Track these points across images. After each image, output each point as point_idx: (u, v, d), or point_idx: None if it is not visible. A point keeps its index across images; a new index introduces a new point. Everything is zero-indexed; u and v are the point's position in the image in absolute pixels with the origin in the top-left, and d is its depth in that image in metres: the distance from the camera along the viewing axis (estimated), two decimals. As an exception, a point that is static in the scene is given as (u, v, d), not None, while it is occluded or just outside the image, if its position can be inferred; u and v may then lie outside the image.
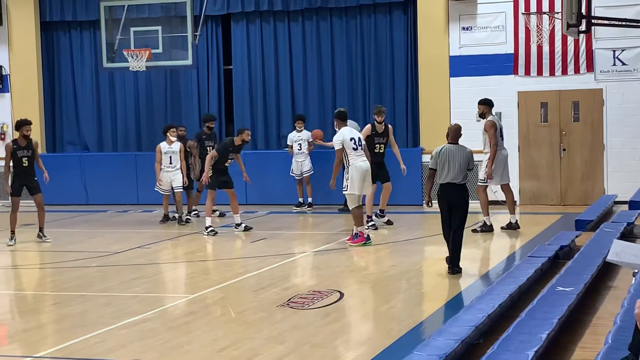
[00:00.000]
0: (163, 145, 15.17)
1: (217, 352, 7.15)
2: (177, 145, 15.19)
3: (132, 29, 16.72)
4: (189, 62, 16.62)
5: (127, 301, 9.10)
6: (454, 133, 10.30)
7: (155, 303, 8.88)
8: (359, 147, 12.34)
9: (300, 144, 16.63)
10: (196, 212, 15.89)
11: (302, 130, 16.75)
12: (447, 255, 10.22)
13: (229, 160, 14.01)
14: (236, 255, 12.48)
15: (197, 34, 16.58)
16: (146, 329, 7.88)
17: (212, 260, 12.02)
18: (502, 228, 13.54)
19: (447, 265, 10.30)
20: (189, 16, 16.35)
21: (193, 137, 16.12)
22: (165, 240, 13.52)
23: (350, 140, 12.28)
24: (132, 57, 16.52)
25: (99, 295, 9.46)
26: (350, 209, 12.43)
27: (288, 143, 16.92)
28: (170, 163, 15.14)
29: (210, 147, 15.63)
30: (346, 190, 12.27)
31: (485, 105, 13.55)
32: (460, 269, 10.11)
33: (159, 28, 16.73)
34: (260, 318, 8.31)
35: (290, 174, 16.79)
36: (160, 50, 16.72)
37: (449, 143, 10.27)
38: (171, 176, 15.15)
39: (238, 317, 8.47)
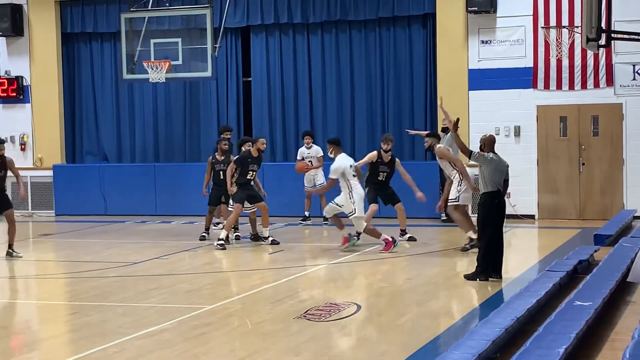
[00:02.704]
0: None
1: (233, 363, 7.16)
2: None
3: (152, 41, 16.82)
4: (208, 73, 16.70)
5: (144, 311, 9.13)
6: (491, 143, 10.58)
7: (173, 314, 8.90)
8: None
9: (310, 160, 16.31)
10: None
11: (311, 146, 16.59)
12: (479, 264, 10.39)
13: (250, 173, 13.77)
14: (254, 267, 12.49)
15: (217, 45, 16.66)
16: (163, 339, 7.90)
17: (230, 272, 12.04)
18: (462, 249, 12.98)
19: (464, 279, 10.38)
20: (209, 28, 16.43)
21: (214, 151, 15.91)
22: (183, 251, 13.55)
23: (350, 167, 12.85)
24: (152, 69, 16.62)
25: (116, 306, 9.50)
26: (362, 231, 12.99)
27: (298, 157, 16.59)
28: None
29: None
30: (354, 214, 12.75)
31: (433, 137, 13.42)
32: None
33: (179, 40, 16.81)
34: (277, 330, 8.31)
35: (305, 189, 16.67)
36: (180, 62, 16.80)
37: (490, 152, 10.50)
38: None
39: (255, 328, 8.48)
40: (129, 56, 17.08)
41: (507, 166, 10.55)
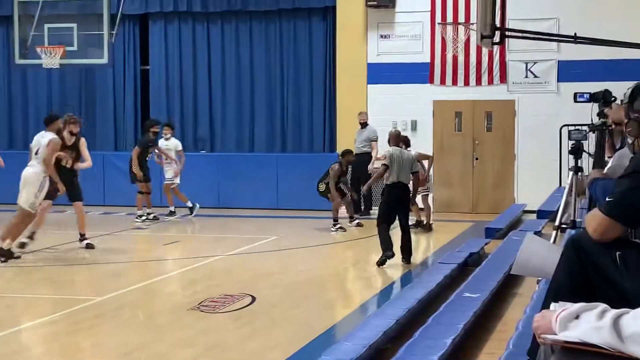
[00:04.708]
0: None
1: (122, 355, 7.03)
2: None
3: (47, 26, 16.38)
4: (104, 60, 16.37)
5: (32, 302, 8.89)
6: (396, 138, 11.28)
7: (62, 305, 8.68)
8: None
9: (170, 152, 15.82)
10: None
11: (169, 138, 16.01)
12: (385, 251, 10.57)
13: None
14: (149, 258, 12.32)
15: (114, 32, 16.34)
16: (50, 331, 7.70)
17: (124, 263, 11.84)
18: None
19: (375, 265, 10.55)
20: (106, 14, 16.11)
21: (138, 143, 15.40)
22: (77, 241, 13.22)
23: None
24: (46, 54, 16.19)
25: (2, 296, 9.21)
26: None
27: (156, 151, 15.60)
28: None
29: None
30: None
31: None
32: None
33: (74, 25, 16.41)
34: (170, 321, 8.22)
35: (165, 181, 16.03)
36: (75, 47, 16.41)
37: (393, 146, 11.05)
38: None
39: (147, 320, 8.36)
40: (22, 41, 16.60)
41: (411, 158, 11.07)
